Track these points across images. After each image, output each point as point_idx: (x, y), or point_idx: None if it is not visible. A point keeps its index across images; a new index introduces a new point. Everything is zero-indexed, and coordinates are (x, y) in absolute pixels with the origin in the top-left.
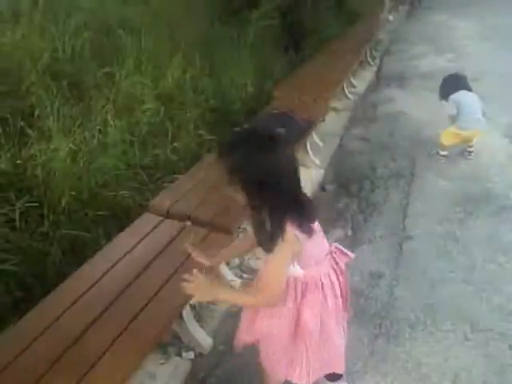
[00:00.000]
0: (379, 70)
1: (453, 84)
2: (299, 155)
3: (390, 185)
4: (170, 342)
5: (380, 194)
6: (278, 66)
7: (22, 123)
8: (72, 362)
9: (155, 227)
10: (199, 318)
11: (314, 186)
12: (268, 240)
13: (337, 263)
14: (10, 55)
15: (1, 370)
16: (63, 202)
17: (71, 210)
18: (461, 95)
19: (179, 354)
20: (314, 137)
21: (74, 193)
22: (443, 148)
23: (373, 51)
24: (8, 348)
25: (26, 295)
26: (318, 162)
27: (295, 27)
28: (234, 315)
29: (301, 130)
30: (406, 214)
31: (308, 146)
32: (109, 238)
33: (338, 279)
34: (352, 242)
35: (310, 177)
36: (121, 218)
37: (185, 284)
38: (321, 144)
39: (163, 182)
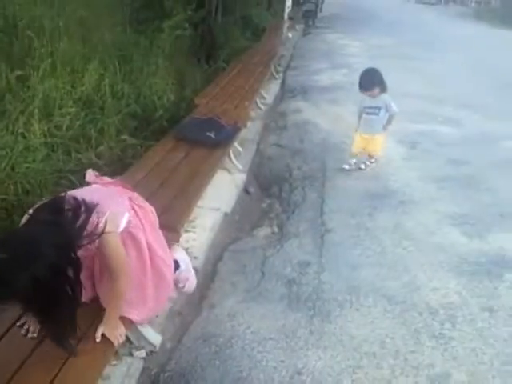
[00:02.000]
0: (283, 83)
1: (376, 77)
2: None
3: (306, 185)
4: None
5: (298, 194)
6: (194, 76)
7: None
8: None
9: None
10: None
11: (238, 189)
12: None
13: (140, 206)
14: None
15: None
16: None
17: None
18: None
19: (130, 354)
20: (235, 143)
21: None
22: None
23: (276, 66)
24: None
25: None
26: (240, 166)
27: (206, 39)
28: (177, 312)
29: (229, 134)
30: (323, 211)
31: (231, 152)
32: None
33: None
34: (279, 238)
35: (234, 181)
36: None
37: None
38: (241, 150)
39: None
